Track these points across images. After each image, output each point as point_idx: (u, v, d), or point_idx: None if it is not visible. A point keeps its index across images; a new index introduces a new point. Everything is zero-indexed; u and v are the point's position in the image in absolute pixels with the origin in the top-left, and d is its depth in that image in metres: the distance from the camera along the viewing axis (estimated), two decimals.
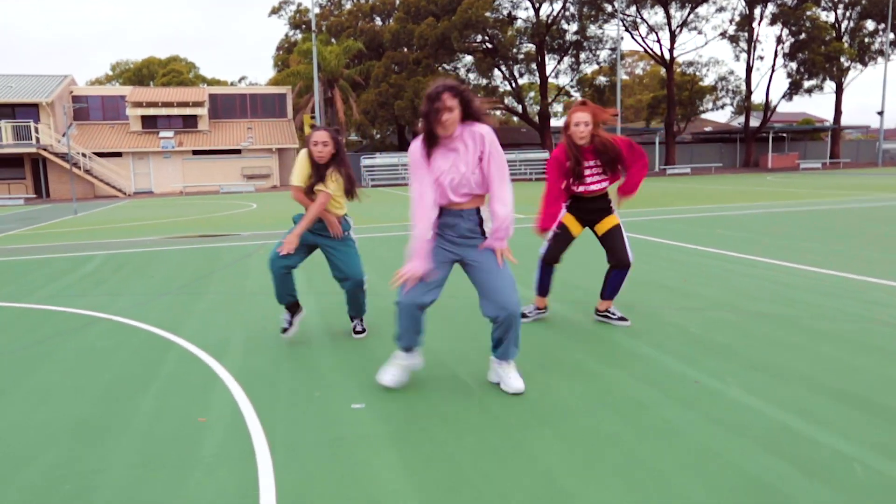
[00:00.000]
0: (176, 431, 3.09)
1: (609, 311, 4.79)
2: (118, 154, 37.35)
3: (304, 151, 4.33)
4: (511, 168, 39.51)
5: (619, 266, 4.64)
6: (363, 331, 4.69)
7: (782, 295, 5.55)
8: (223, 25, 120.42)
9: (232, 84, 66.82)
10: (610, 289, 4.72)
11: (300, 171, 4.32)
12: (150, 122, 39.34)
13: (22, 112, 35.90)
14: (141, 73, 69.14)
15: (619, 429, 2.99)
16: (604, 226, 4.66)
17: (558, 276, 6.63)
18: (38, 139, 34.56)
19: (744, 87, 46.28)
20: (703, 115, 55.38)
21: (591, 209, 4.67)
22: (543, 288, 4.85)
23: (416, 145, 3.26)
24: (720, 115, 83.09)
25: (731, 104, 48.00)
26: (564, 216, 4.69)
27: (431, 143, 3.22)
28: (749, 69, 45.73)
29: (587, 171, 4.50)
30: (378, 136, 53.12)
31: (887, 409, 3.12)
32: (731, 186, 23.68)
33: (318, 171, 4.28)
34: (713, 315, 4.93)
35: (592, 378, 3.66)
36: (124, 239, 11.80)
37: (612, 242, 4.63)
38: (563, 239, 4.71)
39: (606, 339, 4.42)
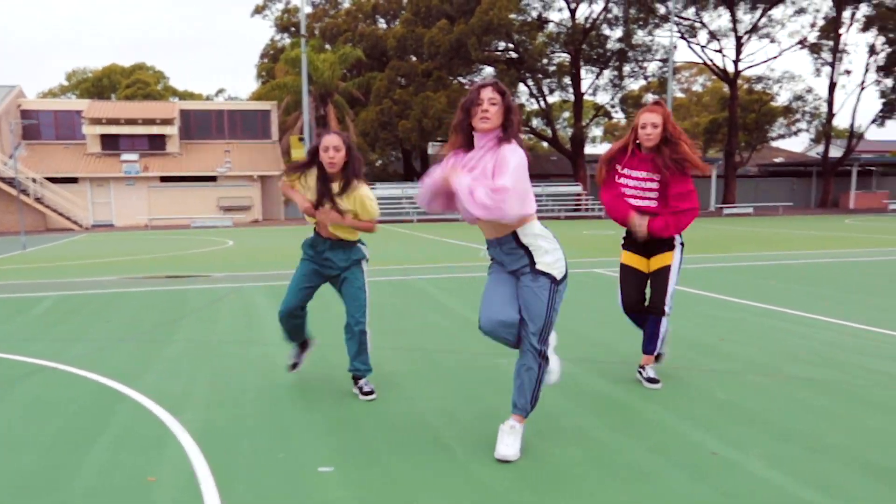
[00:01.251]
0: (122, 490, 3.41)
1: (641, 369, 5.08)
2: (74, 180, 38.09)
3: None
4: (537, 204, 39.71)
5: (651, 311, 4.93)
6: (371, 392, 4.89)
7: (833, 358, 5.80)
8: (199, 28, 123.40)
9: (207, 98, 68.39)
10: (645, 339, 5.03)
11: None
12: (110, 143, 40.16)
13: None
14: (101, 84, 70.67)
15: (614, 500, 3.26)
16: (656, 262, 4.96)
17: (571, 328, 6.92)
18: None
19: (825, 109, 46.42)
20: (774, 143, 55.73)
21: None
22: (652, 344, 5.08)
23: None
24: (794, 144, 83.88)
25: (809, 130, 48.04)
26: (621, 255, 5.09)
27: (466, 141, 3.79)
28: (832, 86, 45.83)
29: (628, 182, 4.87)
30: (380, 162, 53.59)
31: None
32: (799, 230, 24.00)
33: (327, 184, 4.68)
34: (747, 379, 5.21)
35: (594, 445, 3.94)
36: (80, 279, 12.30)
37: (656, 282, 4.93)
38: (631, 279, 5.02)
39: (618, 402, 4.71)
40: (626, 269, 5.03)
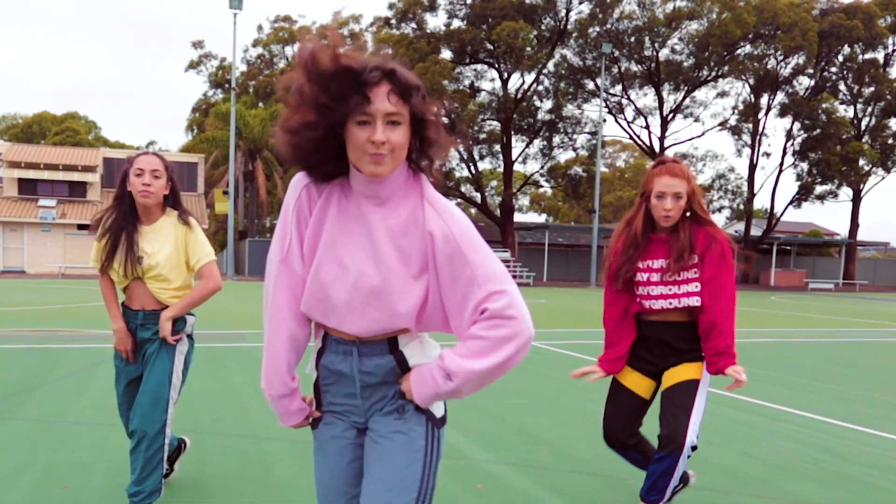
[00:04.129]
0: None
1: None
2: None
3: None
4: None
5: (664, 444, 3.19)
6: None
7: (829, 469, 4.65)
8: (132, 81, 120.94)
9: (138, 149, 66.18)
10: (648, 482, 3.26)
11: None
12: (28, 187, 38.31)
13: None
14: (30, 131, 68.52)
15: None
16: (673, 375, 3.32)
17: (509, 425, 5.61)
18: None
19: (745, 188, 47.20)
20: None
21: (658, 342, 3.35)
22: (641, 466, 3.45)
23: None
24: (716, 220, 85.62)
25: (730, 207, 48.85)
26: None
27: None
28: (752, 167, 46.79)
29: (644, 278, 3.30)
30: None
31: None
32: None
33: (133, 224, 3.34)
34: (742, 501, 3.96)
35: None
36: None
37: (672, 402, 3.25)
38: (623, 399, 3.40)
39: None
40: (618, 388, 3.42)
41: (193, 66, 55.76)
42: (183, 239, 3.35)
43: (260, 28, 59.96)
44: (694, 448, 3.17)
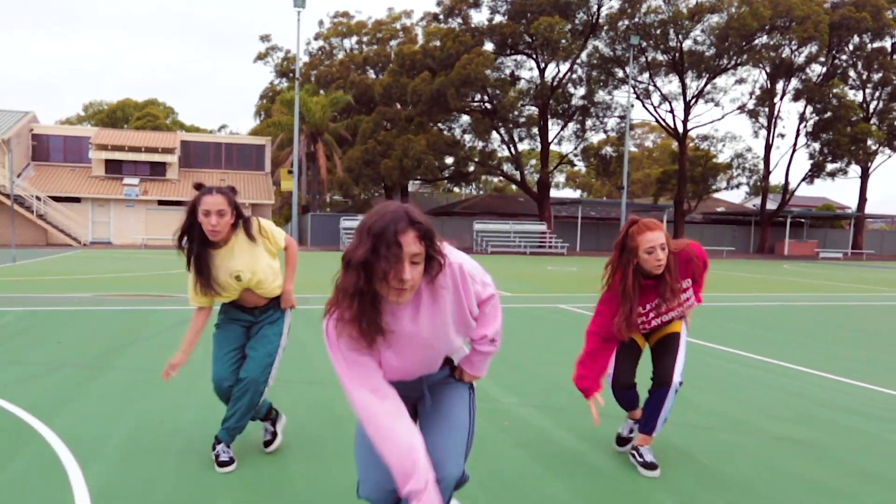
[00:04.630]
0: None
1: (636, 451, 3.70)
2: (77, 199, 37.03)
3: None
4: (505, 240, 39.23)
5: (657, 382, 3.55)
6: (273, 439, 3.86)
7: (807, 413, 4.89)
8: (208, 71, 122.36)
9: (210, 132, 67.18)
10: (645, 415, 3.63)
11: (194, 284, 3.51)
12: (114, 167, 39.20)
13: None
14: (114, 116, 69.57)
15: None
16: (662, 331, 3.69)
17: (535, 375, 5.98)
18: None
19: (762, 167, 46.56)
20: (716, 195, 55.75)
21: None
22: (631, 406, 3.80)
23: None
24: (734, 196, 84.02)
25: (748, 184, 48.17)
26: None
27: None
28: (768, 147, 46.22)
29: (646, 318, 3.55)
30: (363, 197, 52.87)
31: None
32: (744, 273, 23.27)
33: (205, 257, 3.41)
34: (726, 438, 4.27)
35: None
36: (51, 294, 11.11)
37: (661, 353, 3.62)
38: (631, 355, 3.68)
39: (590, 465, 3.74)
40: (628, 345, 3.68)
41: (261, 57, 55.97)
42: (264, 246, 3.52)
43: (321, 23, 60.38)
44: (680, 384, 3.54)
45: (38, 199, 35.27)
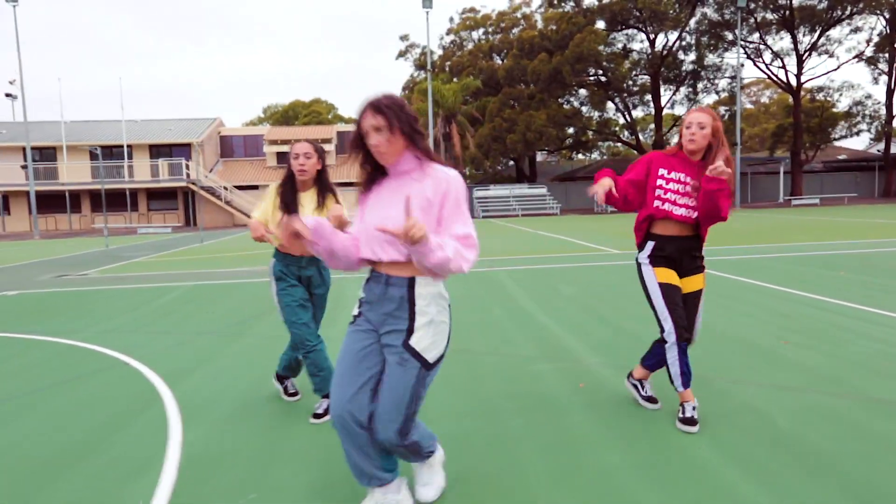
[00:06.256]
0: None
1: (640, 383, 3.57)
2: (255, 187, 39.15)
3: (272, 185, 3.61)
4: None
5: (681, 335, 3.20)
6: (295, 393, 3.94)
7: None
8: (362, 69, 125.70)
9: None
10: (654, 359, 3.44)
11: (267, 203, 3.58)
12: (283, 158, 41.09)
13: (177, 151, 39.08)
14: (287, 115, 73.01)
15: None
16: (689, 284, 3.30)
17: (545, 331, 5.39)
18: (188, 174, 37.09)
19: (884, 112, 41.55)
20: (838, 143, 50.51)
21: (679, 249, 3.26)
22: (687, 378, 3.24)
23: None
24: (856, 143, 75.78)
25: (869, 130, 43.24)
26: (656, 274, 3.26)
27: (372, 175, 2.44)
28: (890, 92, 40.82)
29: (672, 187, 3.19)
30: (492, 169, 52.72)
31: None
32: (865, 219, 20.74)
33: (293, 196, 3.51)
34: (814, 400, 3.56)
35: (615, 499, 2.52)
36: (219, 269, 11.61)
37: (689, 304, 3.30)
38: (679, 300, 3.24)
39: (654, 434, 3.19)
40: (672, 289, 3.22)
41: (401, 54, 56.66)
42: (324, 203, 3.53)
43: (451, 19, 60.08)
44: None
45: (226, 188, 37.62)
